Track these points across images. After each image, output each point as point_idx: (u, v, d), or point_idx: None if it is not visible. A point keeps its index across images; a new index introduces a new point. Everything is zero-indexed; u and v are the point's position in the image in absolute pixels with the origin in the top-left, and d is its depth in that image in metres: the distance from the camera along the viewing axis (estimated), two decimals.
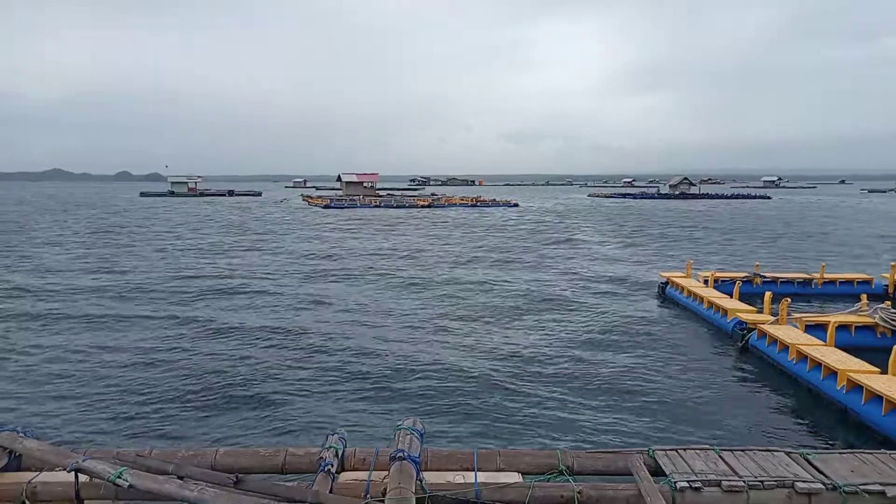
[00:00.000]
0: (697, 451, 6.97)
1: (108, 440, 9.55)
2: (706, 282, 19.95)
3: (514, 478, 6.53)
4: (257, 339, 15.66)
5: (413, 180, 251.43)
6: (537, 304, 20.19)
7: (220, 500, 5.43)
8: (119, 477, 5.66)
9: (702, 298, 17.89)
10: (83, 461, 5.86)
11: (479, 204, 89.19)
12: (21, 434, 6.54)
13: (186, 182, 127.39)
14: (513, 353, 14.47)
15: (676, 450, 7.03)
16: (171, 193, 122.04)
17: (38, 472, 6.33)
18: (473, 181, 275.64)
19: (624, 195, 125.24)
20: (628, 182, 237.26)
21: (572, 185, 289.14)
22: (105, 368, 13.12)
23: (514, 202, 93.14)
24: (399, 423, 7.02)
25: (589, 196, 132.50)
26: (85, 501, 6.17)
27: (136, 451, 6.55)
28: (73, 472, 5.90)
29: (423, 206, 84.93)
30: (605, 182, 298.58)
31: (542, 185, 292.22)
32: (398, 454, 6.27)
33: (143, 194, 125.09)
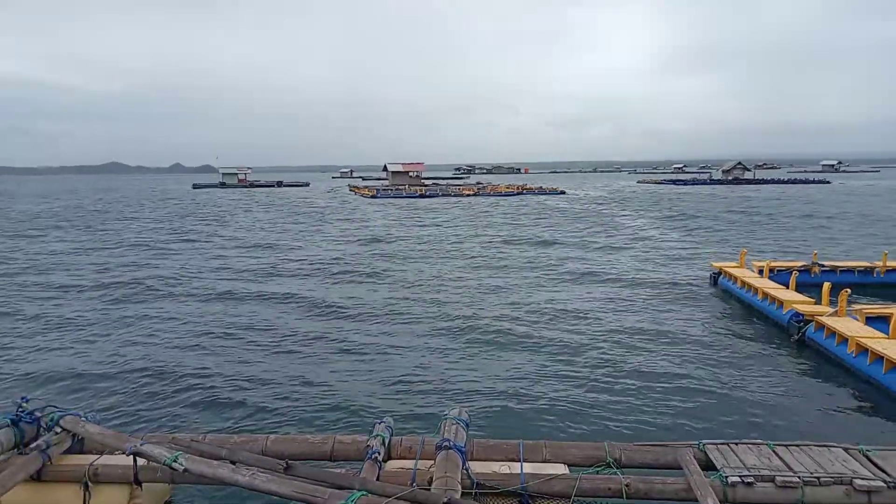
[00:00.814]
0: (750, 446, 6.79)
1: (165, 423, 9.88)
2: (761, 272, 19.34)
3: (560, 469, 6.49)
4: (326, 320, 16.04)
5: (458, 169, 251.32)
6: (584, 292, 19.96)
7: (271, 486, 5.57)
8: (175, 461, 5.86)
9: (756, 289, 17.36)
10: (141, 445, 6.09)
11: (525, 192, 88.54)
12: (83, 418, 6.83)
13: (237, 173, 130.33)
14: (558, 340, 14.36)
15: (728, 444, 6.87)
16: (222, 185, 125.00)
17: (98, 455, 6.60)
18: (519, 169, 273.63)
19: (674, 181, 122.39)
20: (679, 168, 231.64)
21: (621, 171, 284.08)
22: (164, 352, 13.61)
23: (561, 190, 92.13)
24: (445, 413, 7.07)
25: (638, 183, 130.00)
26: (143, 484, 6.42)
27: (190, 437, 6.78)
28: (132, 456, 6.14)
29: (468, 195, 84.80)
30: (655, 168, 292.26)
31: (590, 171, 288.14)
32: (444, 444, 6.32)
33: (195, 186, 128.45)
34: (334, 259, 27.85)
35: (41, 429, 6.76)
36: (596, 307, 17.96)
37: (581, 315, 16.98)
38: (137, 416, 10.25)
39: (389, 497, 5.44)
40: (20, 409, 6.74)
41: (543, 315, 17.04)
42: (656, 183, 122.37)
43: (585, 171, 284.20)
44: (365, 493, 5.50)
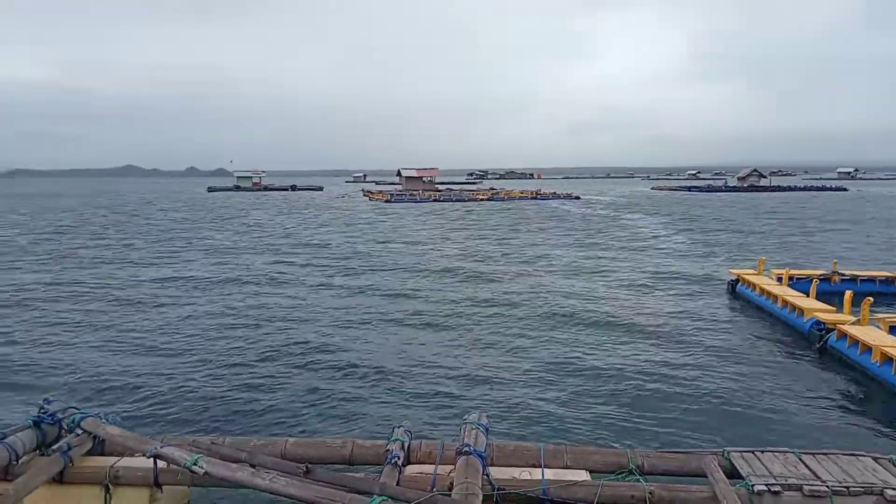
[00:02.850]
0: (776, 454, 6.68)
1: (185, 426, 9.90)
2: (780, 279, 19.12)
3: (581, 476, 6.41)
4: (344, 322, 16.10)
5: (471, 174, 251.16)
6: (600, 298, 19.83)
7: (291, 489, 5.54)
8: (195, 464, 5.83)
9: (776, 297, 17.16)
10: (161, 448, 6.07)
11: (539, 197, 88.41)
12: (104, 420, 6.83)
13: (251, 177, 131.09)
14: (576, 348, 14.26)
15: (753, 451, 6.76)
16: (237, 188, 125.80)
17: (119, 458, 6.60)
18: (532, 174, 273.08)
19: (689, 188, 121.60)
20: (693, 174, 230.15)
21: (633, 177, 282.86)
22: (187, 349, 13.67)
23: (576, 195, 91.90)
24: (465, 417, 7.01)
25: (652, 189, 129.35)
26: (163, 487, 6.41)
27: (210, 439, 6.76)
28: (152, 458, 6.13)
29: (482, 200, 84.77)
30: (669, 174, 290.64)
31: (602, 177, 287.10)
32: (464, 448, 6.26)
33: (210, 189, 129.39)
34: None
35: (63, 430, 6.77)
36: (609, 314, 17.82)
37: (595, 322, 16.86)
38: (157, 418, 10.28)
39: (410, 502, 5.38)
40: (42, 411, 6.75)
41: (556, 320, 16.95)
42: (671, 189, 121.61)
43: (598, 178, 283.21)
44: (385, 498, 5.44)
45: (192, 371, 12.71)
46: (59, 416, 6.77)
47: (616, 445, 8.59)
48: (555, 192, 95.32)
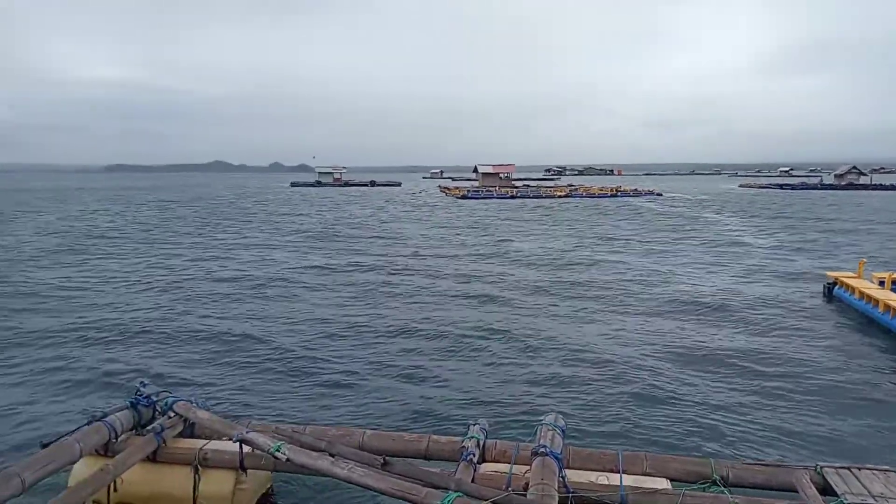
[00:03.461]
0: (875, 472, 6.26)
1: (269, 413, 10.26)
2: (882, 283, 17.87)
3: (661, 484, 6.22)
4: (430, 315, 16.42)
5: (548, 170, 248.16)
6: (689, 301, 19.11)
7: (369, 480, 5.64)
8: (278, 450, 6.04)
9: (877, 301, 16.06)
10: (247, 433, 6.32)
11: (619, 194, 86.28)
12: (194, 404, 7.19)
13: (332, 172, 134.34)
14: (664, 349, 13.84)
15: (850, 468, 6.36)
16: (318, 183, 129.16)
17: (207, 441, 6.92)
18: (612, 170, 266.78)
19: (781, 185, 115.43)
20: (785, 171, 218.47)
21: (720, 174, 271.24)
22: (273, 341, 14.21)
23: (658, 192, 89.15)
24: (541, 418, 6.94)
25: (740, 186, 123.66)
26: (248, 470, 6.67)
27: (292, 427, 6.98)
28: (238, 443, 6.40)
29: (560, 197, 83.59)
30: (758, 171, 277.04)
31: (687, 174, 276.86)
32: (540, 449, 6.18)
33: (293, 184, 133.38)
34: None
35: (156, 412, 7.17)
36: (698, 316, 17.19)
37: (682, 324, 16.30)
38: (241, 402, 10.70)
39: (485, 500, 5.37)
40: (138, 393, 7.18)
41: (644, 320, 16.50)
42: (761, 187, 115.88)
43: (682, 174, 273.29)
44: (461, 494, 5.46)
45: (280, 359, 13.15)
46: (154, 398, 7.18)
47: (697, 454, 8.28)
48: (636, 189, 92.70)
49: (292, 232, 40.20)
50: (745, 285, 21.96)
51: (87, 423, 6.71)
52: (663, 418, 10.09)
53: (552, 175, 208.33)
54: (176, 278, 23.12)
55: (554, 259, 28.31)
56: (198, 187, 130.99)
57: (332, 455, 6.17)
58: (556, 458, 6.13)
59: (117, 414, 6.86)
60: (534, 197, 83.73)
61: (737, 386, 11.60)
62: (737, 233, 40.40)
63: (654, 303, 18.89)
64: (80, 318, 16.77)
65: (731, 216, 53.51)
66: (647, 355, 13.48)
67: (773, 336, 15.12)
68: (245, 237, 37.45)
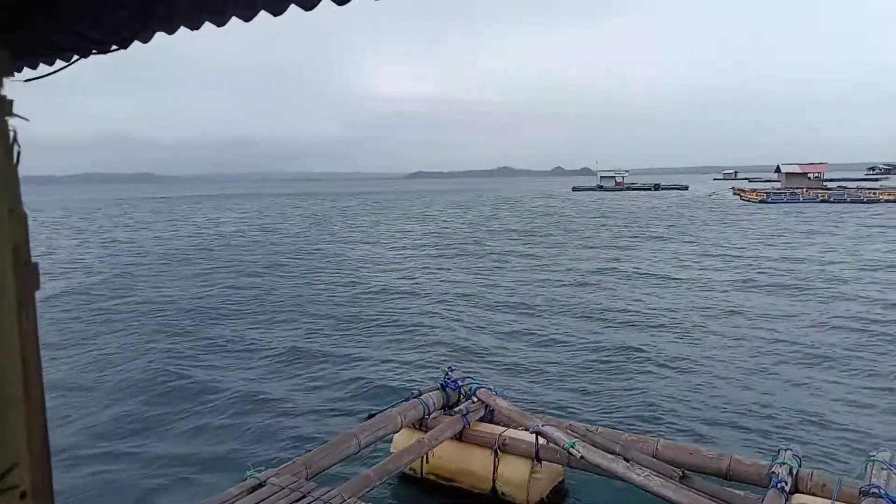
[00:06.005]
0: None
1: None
2: None
3: None
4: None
5: (872, 168, 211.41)
6: None
7: (667, 492, 5.49)
8: (572, 447, 6.21)
9: None
10: (542, 426, 6.61)
11: None
12: (494, 392, 7.74)
13: (614, 176, 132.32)
14: None
15: None
16: (600, 188, 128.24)
17: (505, 428, 7.39)
18: None
19: None
20: None
21: None
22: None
23: None
24: (871, 454, 6.03)
25: None
26: (542, 462, 6.97)
27: (585, 426, 7.10)
28: (534, 434, 6.72)
29: (888, 201, 70.74)
30: None
31: None
32: (872, 489, 5.39)
33: (574, 189, 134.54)
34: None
35: (461, 396, 7.89)
36: None
37: None
38: (534, 395, 11.13)
39: None
40: (447, 377, 7.98)
41: None
42: None
43: None
44: None
45: (574, 358, 13.39)
46: (459, 382, 7.90)
47: None
48: None
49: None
50: None
51: (405, 399, 7.67)
52: None
53: (877, 174, 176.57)
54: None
55: None
56: (498, 191, 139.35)
57: (626, 459, 6.14)
58: (893, 501, 5.27)
59: (430, 393, 7.72)
60: (851, 202, 72.21)
61: None
62: None
63: None
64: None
65: None
66: None
67: None
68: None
